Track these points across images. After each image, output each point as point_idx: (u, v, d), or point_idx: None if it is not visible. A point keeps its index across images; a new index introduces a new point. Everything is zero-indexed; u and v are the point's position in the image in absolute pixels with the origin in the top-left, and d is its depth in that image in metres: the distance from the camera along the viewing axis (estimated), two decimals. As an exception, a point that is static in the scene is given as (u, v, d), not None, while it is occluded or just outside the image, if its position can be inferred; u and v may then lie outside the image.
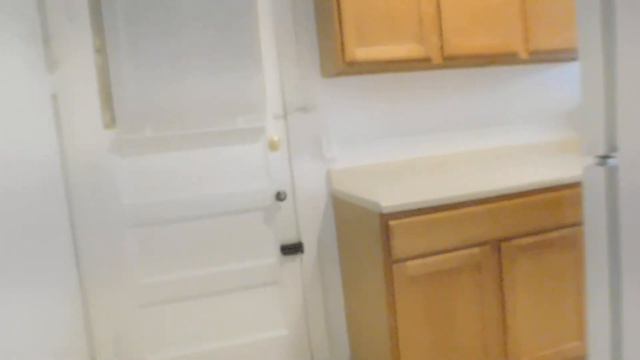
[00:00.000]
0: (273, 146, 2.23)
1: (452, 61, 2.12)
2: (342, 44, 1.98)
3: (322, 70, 2.24)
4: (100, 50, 2.01)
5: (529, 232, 1.92)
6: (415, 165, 2.40)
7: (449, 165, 2.46)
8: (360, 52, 1.98)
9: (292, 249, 2.28)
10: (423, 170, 2.42)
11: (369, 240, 1.86)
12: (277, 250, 2.27)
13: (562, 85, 2.69)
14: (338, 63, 1.99)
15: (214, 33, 2.10)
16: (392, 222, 1.74)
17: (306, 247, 2.28)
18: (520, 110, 2.61)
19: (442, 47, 2.09)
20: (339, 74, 2.19)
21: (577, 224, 2.00)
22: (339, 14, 1.97)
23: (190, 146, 2.12)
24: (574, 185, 1.99)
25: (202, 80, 2.10)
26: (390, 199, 1.78)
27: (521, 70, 2.60)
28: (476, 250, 1.85)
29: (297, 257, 2.30)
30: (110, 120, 2.05)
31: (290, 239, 2.29)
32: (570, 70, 2.71)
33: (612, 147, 0.96)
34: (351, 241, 2.10)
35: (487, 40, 2.14)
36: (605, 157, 0.98)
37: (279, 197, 2.20)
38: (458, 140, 2.48)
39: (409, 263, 1.77)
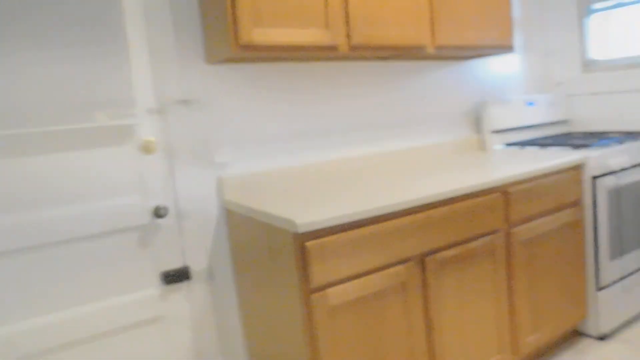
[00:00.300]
0: (147, 148, 1.77)
1: (359, 51, 1.86)
2: (235, 22, 1.60)
3: (207, 54, 1.83)
4: None
5: (452, 243, 1.74)
6: (324, 171, 2.11)
7: (362, 169, 2.22)
8: (258, 34, 1.62)
9: (176, 276, 1.84)
10: (333, 177, 2.14)
11: (280, 265, 1.52)
12: (158, 279, 1.81)
13: (466, 82, 2.62)
14: (230, 46, 1.61)
15: (61, 11, 1.57)
16: (310, 244, 1.42)
17: (194, 274, 1.86)
18: (427, 109, 2.47)
19: (349, 35, 1.82)
20: (230, 60, 1.81)
21: (496, 230, 1.88)
22: (233, -15, 1.59)
23: (34, 151, 1.57)
24: (493, 190, 1.86)
25: (46, 69, 1.56)
26: (305, 214, 1.46)
27: (427, 66, 2.46)
28: (401, 268, 1.61)
29: (183, 286, 1.86)
30: None
31: (173, 263, 1.84)
32: (474, 68, 2.65)
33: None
34: (254, 265, 1.73)
35: (396, 31, 1.92)
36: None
37: (158, 213, 1.75)
38: (372, 142, 2.25)
39: (331, 291, 1.46)
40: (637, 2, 2.71)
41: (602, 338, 2.33)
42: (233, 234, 1.86)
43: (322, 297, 1.45)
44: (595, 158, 2.19)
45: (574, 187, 2.16)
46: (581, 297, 2.25)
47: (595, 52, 2.93)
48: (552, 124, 2.92)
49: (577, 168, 2.18)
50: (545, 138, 2.78)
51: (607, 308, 2.29)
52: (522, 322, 1.99)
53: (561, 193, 2.10)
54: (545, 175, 2.05)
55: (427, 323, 1.71)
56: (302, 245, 1.42)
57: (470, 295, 1.81)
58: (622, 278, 2.35)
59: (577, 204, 2.20)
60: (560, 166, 2.08)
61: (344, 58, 2.07)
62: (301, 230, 1.38)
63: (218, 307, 1.91)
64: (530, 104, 2.77)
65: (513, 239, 1.93)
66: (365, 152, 2.26)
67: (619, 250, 2.32)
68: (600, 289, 2.26)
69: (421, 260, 1.67)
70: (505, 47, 2.33)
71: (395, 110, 2.36)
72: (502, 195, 1.89)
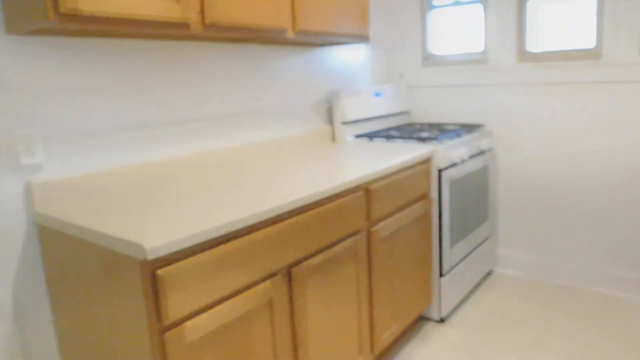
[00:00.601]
0: None
1: (214, 31, 1.58)
2: (50, -19, 1.20)
3: (7, 21, 1.36)
4: None
5: (318, 249, 1.61)
6: (167, 171, 1.79)
7: (212, 167, 1.94)
8: (87, 1, 1.24)
9: (-33, 317, 1.37)
10: (179, 178, 1.83)
11: (121, 299, 1.20)
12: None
13: (318, 71, 2.49)
14: (45, 13, 1.20)
15: None
16: (162, 272, 1.13)
17: (-5, 310, 1.41)
18: (280, 99, 2.28)
19: (203, 11, 1.53)
20: (44, 31, 1.37)
21: (358, 231, 1.81)
22: None
23: None
24: (357, 189, 1.78)
25: None
26: (153, 233, 1.17)
27: (280, 52, 2.26)
28: (268, 284, 1.42)
29: (-22, 329, 1.40)
30: None
31: (-38, 300, 1.37)
32: (326, 57, 2.53)
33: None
34: (83, 298, 1.36)
35: (258, 11, 1.69)
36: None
37: None
38: (223, 134, 1.98)
39: (189, 324, 1.21)
40: (473, 2, 2.90)
41: (442, 320, 2.48)
42: (50, 258, 1.45)
43: (179, 334, 1.18)
44: (441, 151, 2.27)
45: (424, 181, 2.22)
46: (428, 285, 2.35)
47: (434, 46, 3.08)
48: (396, 114, 3.00)
49: (427, 162, 2.24)
50: (391, 130, 2.83)
51: (446, 292, 2.43)
52: (381, 319, 1.98)
53: (414, 187, 2.13)
54: (402, 170, 2.05)
55: (294, 339, 1.56)
56: (153, 273, 1.13)
57: (336, 302, 1.72)
58: (457, 263, 2.52)
59: (425, 196, 2.27)
60: (413, 160, 2.10)
61: (196, 38, 1.76)
62: (151, 256, 1.09)
63: (30, 354, 1.49)
64: (378, 94, 2.79)
65: (374, 237, 1.89)
66: (215, 146, 1.99)
67: (456, 237, 2.47)
68: (442, 275, 2.39)
69: (288, 272, 1.51)
70: (362, 37, 2.26)
71: (249, 98, 2.13)
72: (365, 193, 1.82)
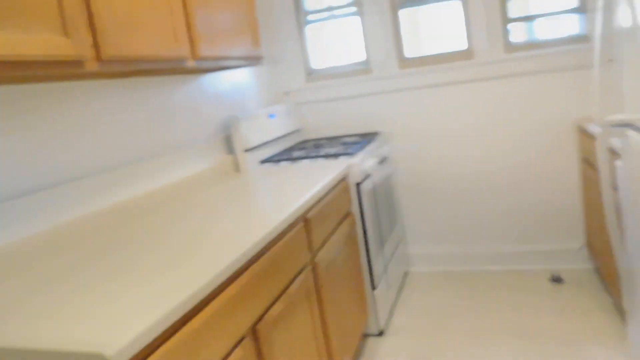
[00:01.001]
0: None
1: (113, 66, 1.32)
2: None
3: None
4: None
5: (276, 296, 1.43)
6: (60, 240, 1.44)
7: (121, 225, 1.62)
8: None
9: None
10: (77, 248, 1.49)
11: None
12: None
13: (209, 98, 2.27)
14: None
15: None
16: (131, 380, 0.87)
17: None
18: (180, 134, 2.02)
19: (97, 45, 1.25)
20: None
21: (305, 265, 1.66)
22: None
23: None
24: (297, 221, 1.63)
25: None
26: (102, 331, 0.90)
27: (169, 82, 2.00)
28: (239, 352, 1.21)
29: None
30: None
31: None
32: (215, 83, 2.32)
33: None
34: None
35: (155, 40, 1.45)
36: None
37: None
38: (124, 183, 1.66)
39: None
40: (348, 15, 2.93)
41: (381, 333, 2.44)
42: None
43: None
44: (356, 165, 2.23)
45: (345, 198, 2.15)
46: (364, 302, 2.29)
47: (317, 61, 3.06)
48: (289, 134, 2.91)
49: (345, 178, 2.18)
50: (292, 151, 2.73)
51: (380, 304, 2.40)
52: (337, 354, 1.86)
53: (339, 206, 2.05)
54: (330, 191, 1.96)
55: (270, 404, 1.36)
56: (116, 386, 0.86)
57: (298, 350, 1.55)
58: (383, 272, 2.51)
59: (349, 214, 2.20)
60: (336, 179, 2.02)
61: (90, 76, 1.46)
62: (114, 364, 0.83)
63: None
64: (272, 116, 2.67)
65: (318, 268, 1.76)
66: (117, 199, 1.68)
67: (379, 248, 2.46)
68: (374, 288, 2.35)
69: (253, 331, 1.31)
70: (257, 58, 2.12)
71: (142, 139, 1.85)
72: (304, 223, 1.69)
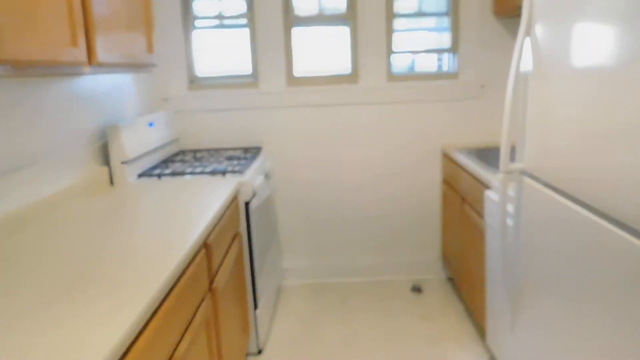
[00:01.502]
0: None
1: (7, 70, 1.09)
2: None
3: None
4: None
5: (181, 334, 1.32)
6: None
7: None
8: None
9: None
10: None
11: None
12: None
13: (82, 104, 1.99)
14: None
15: None
16: None
17: None
18: (48, 143, 1.74)
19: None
20: None
21: (206, 293, 1.57)
22: None
23: None
24: (200, 248, 1.53)
25: None
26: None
27: (43, 83, 1.71)
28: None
29: None
30: None
31: None
32: (89, 86, 2.04)
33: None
34: None
35: (52, 44, 1.24)
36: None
37: None
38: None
39: None
40: (238, 26, 2.85)
41: (260, 352, 2.42)
42: None
43: None
44: (246, 183, 2.17)
45: (235, 218, 2.09)
46: (247, 322, 2.24)
47: (201, 68, 2.91)
48: (167, 144, 2.72)
49: (236, 197, 2.11)
50: (173, 163, 2.55)
51: (261, 323, 2.38)
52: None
53: (230, 228, 1.99)
54: (225, 213, 1.88)
55: None
56: None
57: (199, 384, 1.46)
58: (263, 291, 2.49)
59: (238, 234, 2.14)
60: (229, 199, 1.94)
61: None
62: None
63: None
64: (151, 124, 2.46)
65: (216, 294, 1.68)
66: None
67: (261, 266, 2.43)
68: (256, 307, 2.32)
69: (162, 376, 1.19)
70: (150, 65, 1.94)
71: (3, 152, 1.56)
72: (205, 249, 1.60)
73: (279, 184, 3.01)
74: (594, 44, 1.15)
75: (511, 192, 1.72)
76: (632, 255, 1.02)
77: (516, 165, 1.57)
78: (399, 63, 2.95)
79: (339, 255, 3.11)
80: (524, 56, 1.55)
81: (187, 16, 2.84)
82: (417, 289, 2.96)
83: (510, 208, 1.73)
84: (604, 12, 1.10)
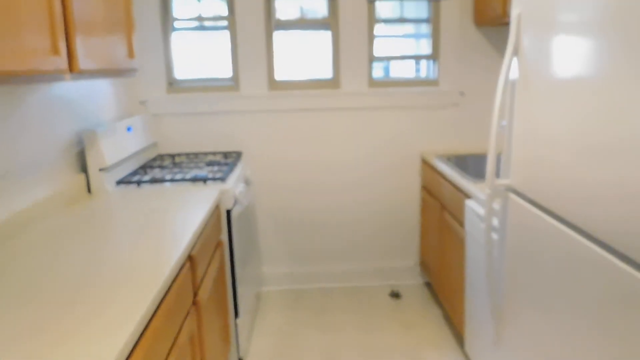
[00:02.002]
0: None
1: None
2: None
3: None
4: None
5: (167, 353, 1.29)
6: None
7: None
8: None
9: None
10: None
11: None
12: None
13: (58, 109, 1.92)
14: None
15: None
16: None
17: None
18: (23, 153, 1.67)
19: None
20: None
21: (190, 308, 1.54)
22: None
23: None
24: (185, 262, 1.50)
25: None
26: None
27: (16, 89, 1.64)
28: None
29: None
30: None
31: None
32: (65, 91, 1.96)
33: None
34: None
35: (32, 50, 1.18)
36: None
37: None
38: None
39: None
40: (219, 28, 2.79)
41: (240, 360, 2.39)
42: None
43: None
44: (228, 191, 2.14)
45: (217, 227, 2.05)
46: (228, 332, 2.21)
47: (179, 71, 2.84)
48: (145, 148, 2.65)
49: (218, 206, 2.08)
50: (147, 168, 2.49)
51: (242, 332, 2.35)
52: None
53: (212, 237, 1.95)
54: (208, 222, 1.84)
55: None
56: None
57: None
58: (244, 297, 2.46)
59: (220, 243, 2.11)
60: (212, 208, 1.91)
61: None
62: None
63: None
64: (130, 129, 2.39)
65: (200, 308, 1.65)
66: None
67: (242, 274, 2.40)
68: (237, 316, 2.29)
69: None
70: (132, 68, 1.88)
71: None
72: (190, 263, 1.56)
73: (258, 188, 2.98)
74: (580, 59, 1.18)
75: (496, 205, 1.74)
76: (618, 277, 1.05)
77: (502, 182, 1.59)
78: (376, 69, 2.96)
79: (318, 260, 3.10)
80: (511, 72, 1.57)
81: (166, 18, 2.77)
82: (395, 294, 2.98)
83: (494, 221, 1.75)
84: (589, 27, 1.13)
